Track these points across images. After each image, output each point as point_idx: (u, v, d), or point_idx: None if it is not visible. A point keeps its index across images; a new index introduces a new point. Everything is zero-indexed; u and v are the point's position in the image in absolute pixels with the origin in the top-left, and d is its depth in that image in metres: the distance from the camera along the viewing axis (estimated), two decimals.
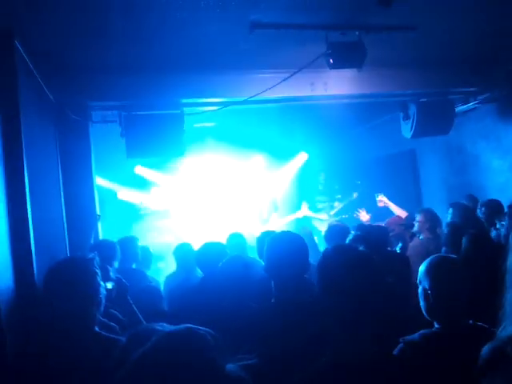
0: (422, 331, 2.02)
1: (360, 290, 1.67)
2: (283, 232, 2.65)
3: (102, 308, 2.42)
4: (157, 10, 3.64)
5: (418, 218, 5.27)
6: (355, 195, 8.65)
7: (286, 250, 2.36)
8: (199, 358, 1.10)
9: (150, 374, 1.05)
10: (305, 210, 8.99)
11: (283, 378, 1.75)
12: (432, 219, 5.20)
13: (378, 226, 4.87)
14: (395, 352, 1.84)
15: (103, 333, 2.30)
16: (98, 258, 2.47)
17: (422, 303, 2.12)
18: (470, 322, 2.07)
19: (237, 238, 4.94)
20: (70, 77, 4.79)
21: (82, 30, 3.90)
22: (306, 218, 9.11)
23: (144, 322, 2.95)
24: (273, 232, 4.47)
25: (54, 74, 4.57)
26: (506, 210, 4.59)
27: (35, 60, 3.71)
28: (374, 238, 4.04)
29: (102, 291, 2.38)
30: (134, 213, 9.11)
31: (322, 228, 8.48)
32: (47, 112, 4.44)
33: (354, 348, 1.62)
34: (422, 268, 2.16)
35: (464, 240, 3.49)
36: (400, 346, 1.89)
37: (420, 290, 2.13)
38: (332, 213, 8.82)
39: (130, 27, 3.95)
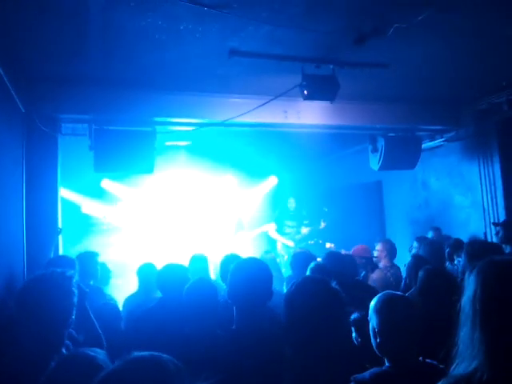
0: (372, 369, 2.04)
1: (325, 324, 1.68)
2: (248, 259, 2.64)
3: None
4: (136, 29, 3.65)
5: (377, 247, 5.57)
6: (323, 225, 8.75)
7: (250, 277, 2.33)
8: None
9: None
10: (272, 232, 9.03)
11: None
12: (389, 249, 5.49)
13: (348, 255, 4.94)
14: None
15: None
16: (77, 276, 2.40)
17: (372, 340, 2.15)
18: (420, 358, 2.09)
19: (199, 261, 4.90)
20: (42, 88, 4.73)
21: (57, 42, 3.87)
22: (271, 240, 9.14)
23: (102, 338, 2.84)
24: (237, 256, 4.48)
25: (26, 84, 4.51)
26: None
27: (7, 68, 3.65)
28: (345, 267, 4.12)
29: (75, 312, 2.30)
30: (94, 227, 8.89)
31: (286, 251, 8.54)
32: (16, 121, 4.34)
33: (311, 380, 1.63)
34: (371, 305, 2.20)
35: (420, 273, 3.55)
36: None
37: (370, 327, 2.16)
38: (298, 237, 8.88)
39: (107, 43, 3.94)
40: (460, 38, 4.14)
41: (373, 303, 2.19)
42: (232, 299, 2.35)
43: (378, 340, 2.08)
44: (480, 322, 1.36)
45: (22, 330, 2.14)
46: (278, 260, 7.14)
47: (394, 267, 5.45)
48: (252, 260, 2.61)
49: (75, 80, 4.78)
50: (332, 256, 4.41)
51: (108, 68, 4.54)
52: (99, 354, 1.72)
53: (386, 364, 2.08)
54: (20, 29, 3.56)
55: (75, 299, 2.26)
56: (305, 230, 8.83)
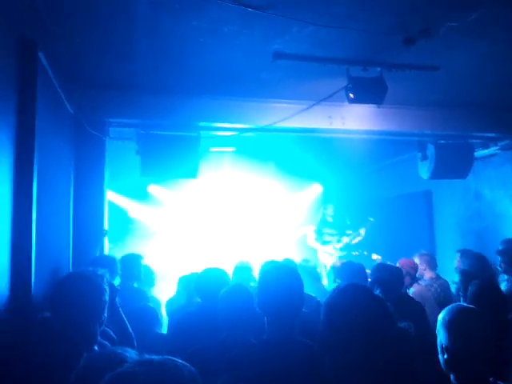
0: None
1: (368, 334, 1.57)
2: (276, 265, 2.51)
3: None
4: (180, 33, 3.69)
5: (416, 261, 5.33)
6: (362, 232, 8.51)
7: (280, 285, 2.19)
8: None
9: None
10: (310, 240, 8.85)
11: None
12: (428, 260, 5.34)
13: (395, 267, 4.75)
14: None
15: None
16: (108, 275, 2.42)
17: (439, 356, 2.01)
18: (491, 379, 1.92)
19: (243, 269, 4.80)
20: (91, 92, 4.88)
21: (106, 49, 3.98)
22: (311, 249, 8.96)
23: (133, 338, 2.85)
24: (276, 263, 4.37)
25: (76, 88, 4.65)
26: None
27: (58, 73, 3.76)
28: (391, 279, 3.94)
29: (107, 309, 2.31)
30: (139, 231, 9.03)
31: (327, 261, 8.32)
32: (65, 124, 4.48)
33: None
34: (439, 318, 2.05)
35: (470, 288, 3.33)
36: None
37: (438, 342, 2.02)
38: (337, 246, 8.64)
39: (153, 48, 4.01)
40: None
41: (441, 316, 2.06)
42: (261, 309, 2.23)
43: (446, 356, 1.94)
44: None
45: (56, 327, 2.16)
46: (318, 270, 6.98)
47: (440, 279, 5.23)
48: (280, 266, 2.46)
49: (123, 85, 4.89)
50: (382, 268, 4.24)
51: (154, 73, 4.62)
52: (128, 352, 1.68)
53: (453, 382, 1.94)
54: (71, 34, 3.68)
55: (106, 296, 2.26)
56: (346, 240, 8.60)
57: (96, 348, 2.21)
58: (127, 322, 2.86)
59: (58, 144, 4.06)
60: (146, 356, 1.10)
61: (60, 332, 2.16)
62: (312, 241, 8.77)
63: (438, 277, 5.24)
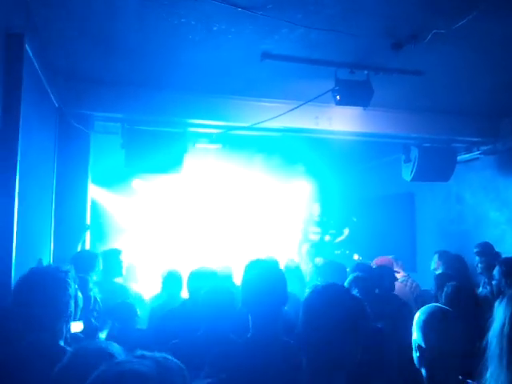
0: None
1: (343, 333, 1.61)
2: (260, 264, 2.51)
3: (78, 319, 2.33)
4: (169, 29, 3.67)
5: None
6: (346, 231, 8.58)
7: (262, 282, 2.21)
8: None
9: None
10: (297, 239, 8.83)
11: None
12: (392, 263, 5.56)
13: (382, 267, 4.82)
14: None
15: (67, 348, 2.21)
16: (73, 271, 2.40)
17: (413, 353, 2.06)
18: (460, 377, 1.97)
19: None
20: (77, 86, 4.82)
21: (93, 43, 3.94)
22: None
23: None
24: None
25: (62, 81, 4.60)
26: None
27: (44, 66, 3.71)
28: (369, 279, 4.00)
29: (73, 304, 2.30)
30: (121, 225, 8.84)
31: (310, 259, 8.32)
32: (50, 118, 4.42)
33: None
34: (415, 318, 2.10)
35: (445, 289, 3.40)
36: None
37: (413, 340, 2.07)
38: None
39: (141, 43, 3.98)
40: (500, 47, 3.99)
41: (417, 316, 2.10)
42: (246, 307, 2.24)
43: (419, 354, 2.00)
44: (507, 362, 1.15)
45: (18, 324, 2.14)
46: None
47: (410, 277, 5.68)
48: (264, 265, 2.46)
49: (109, 79, 4.85)
50: (361, 268, 4.30)
51: (141, 68, 4.58)
52: (113, 346, 1.69)
53: (425, 379, 1.99)
54: (58, 27, 3.63)
55: (71, 291, 2.23)
56: (328, 238, 8.65)
57: (62, 343, 2.19)
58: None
59: (42, 137, 4.01)
60: (139, 351, 1.09)
61: (22, 328, 2.14)
62: (298, 240, 8.80)
63: (408, 275, 5.63)
